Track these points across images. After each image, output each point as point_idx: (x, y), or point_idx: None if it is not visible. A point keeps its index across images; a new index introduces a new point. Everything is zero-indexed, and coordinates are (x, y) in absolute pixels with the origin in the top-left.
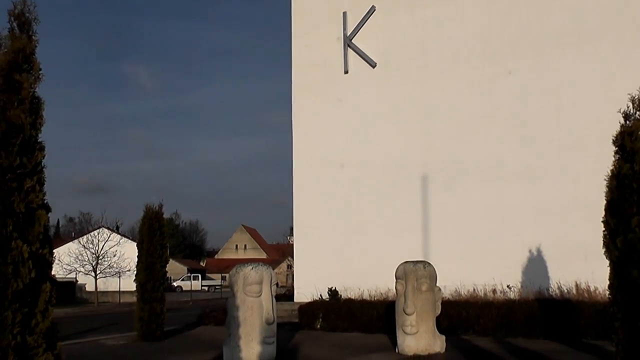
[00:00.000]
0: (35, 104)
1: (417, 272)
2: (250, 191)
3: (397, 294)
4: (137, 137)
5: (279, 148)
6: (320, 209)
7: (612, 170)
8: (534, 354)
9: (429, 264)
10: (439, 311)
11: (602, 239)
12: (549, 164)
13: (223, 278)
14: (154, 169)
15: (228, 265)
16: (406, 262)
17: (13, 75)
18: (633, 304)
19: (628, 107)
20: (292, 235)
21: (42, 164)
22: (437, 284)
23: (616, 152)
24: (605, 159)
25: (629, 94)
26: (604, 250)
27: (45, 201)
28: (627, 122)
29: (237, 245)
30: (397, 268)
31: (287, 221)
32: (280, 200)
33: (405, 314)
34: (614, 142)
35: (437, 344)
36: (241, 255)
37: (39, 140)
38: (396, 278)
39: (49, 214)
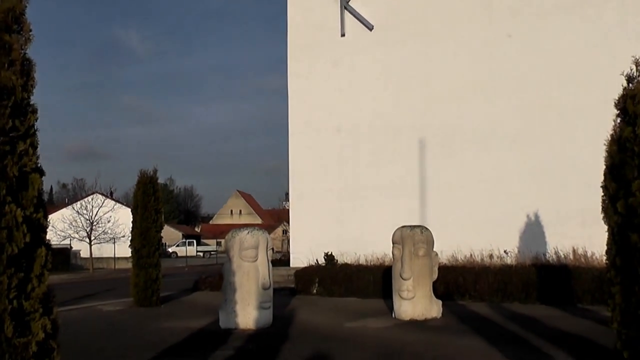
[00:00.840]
0: (26, 65)
1: (414, 237)
2: (245, 156)
3: (393, 259)
4: (131, 103)
5: (274, 113)
6: (316, 173)
7: (612, 135)
8: (530, 319)
9: (426, 228)
10: (435, 276)
11: (600, 204)
12: (548, 128)
13: (218, 244)
14: (147, 134)
15: (223, 231)
16: (403, 226)
17: (3, 36)
18: (632, 269)
19: (631, 70)
20: (288, 201)
21: (35, 127)
22: (434, 249)
23: (617, 115)
24: (605, 123)
25: (632, 57)
26: (602, 215)
27: (39, 165)
28: (630, 84)
29: (232, 211)
30: (394, 233)
31: (282, 186)
32: (276, 165)
33: (402, 279)
34: (616, 105)
35: (434, 309)
36: (236, 220)
37: (31, 102)
38: (393, 243)
39: (43, 178)
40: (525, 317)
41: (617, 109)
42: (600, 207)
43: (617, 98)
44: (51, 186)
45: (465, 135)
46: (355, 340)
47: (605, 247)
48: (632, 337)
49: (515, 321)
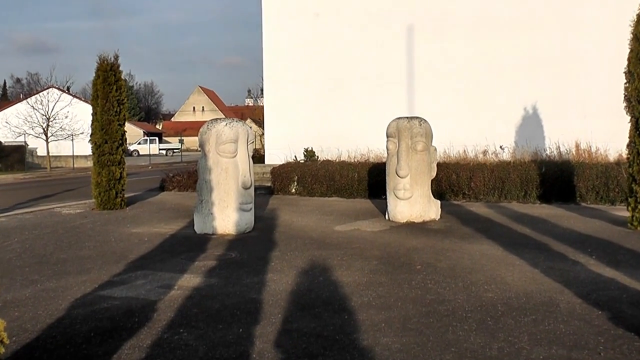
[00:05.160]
0: None
1: (412, 130)
2: (206, 51)
3: (388, 154)
4: None
5: (237, 6)
6: (294, 62)
7: (638, 15)
8: (537, 219)
9: (425, 120)
10: (434, 173)
11: (600, 95)
12: (547, 13)
13: (181, 141)
14: (103, 28)
15: (186, 128)
16: (399, 118)
17: None
18: None
19: None
20: (251, 97)
21: None
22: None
23: None
24: (611, 5)
25: None
26: (624, 105)
27: None
28: None
29: (194, 108)
30: (389, 124)
31: (245, 82)
32: (239, 60)
33: (399, 176)
34: None
35: (432, 210)
36: (199, 117)
37: None
38: (387, 136)
39: None
40: (531, 218)
41: None
42: (623, 96)
43: None
44: (4, 81)
45: (457, 20)
46: (352, 247)
47: (606, 142)
48: None
49: (522, 222)
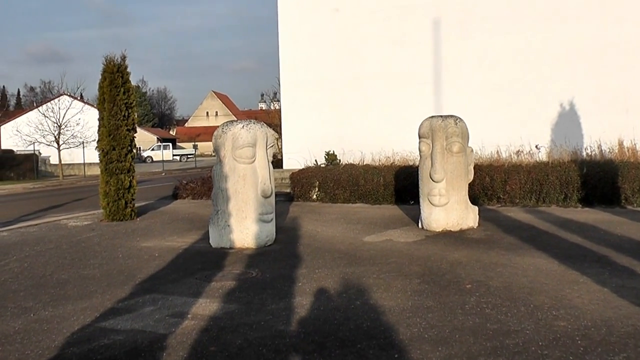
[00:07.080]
0: None
1: (447, 129)
2: (219, 56)
3: (421, 156)
4: (94, 2)
5: (249, 11)
6: (312, 61)
7: None
8: (586, 226)
9: (461, 119)
10: (471, 177)
11: None
12: (585, 2)
13: (195, 147)
14: (115, 36)
15: (199, 133)
16: (432, 116)
17: None
18: None
19: None
20: (264, 101)
21: None
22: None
23: None
24: None
25: None
26: None
27: None
28: None
29: (208, 112)
30: (422, 124)
31: (258, 86)
32: (251, 65)
33: (433, 180)
34: None
35: (470, 217)
36: (212, 122)
37: None
38: (420, 137)
39: None
40: (578, 224)
41: None
42: None
43: None
44: (18, 89)
45: (487, 13)
46: (387, 262)
47: None
48: None
49: (570, 230)
